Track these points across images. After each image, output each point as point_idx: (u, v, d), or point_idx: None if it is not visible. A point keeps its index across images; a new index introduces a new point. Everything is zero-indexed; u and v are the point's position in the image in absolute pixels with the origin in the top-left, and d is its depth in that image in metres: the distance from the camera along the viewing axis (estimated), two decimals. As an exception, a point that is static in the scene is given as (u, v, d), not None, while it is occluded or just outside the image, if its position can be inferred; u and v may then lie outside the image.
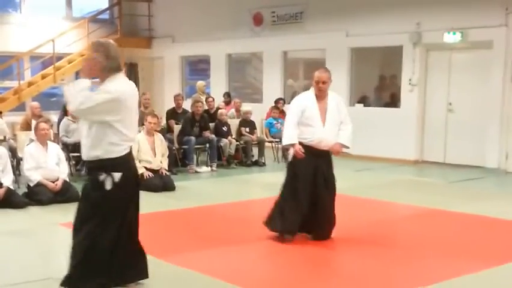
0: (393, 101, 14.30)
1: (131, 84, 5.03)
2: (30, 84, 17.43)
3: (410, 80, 13.59)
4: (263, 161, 13.28)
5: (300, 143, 6.80)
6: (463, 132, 13.04)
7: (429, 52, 13.57)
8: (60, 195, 8.94)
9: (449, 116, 13.31)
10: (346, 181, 10.55)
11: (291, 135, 6.82)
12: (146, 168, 10.07)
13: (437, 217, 8.40)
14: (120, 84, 4.87)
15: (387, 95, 14.74)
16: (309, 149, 6.79)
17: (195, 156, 12.58)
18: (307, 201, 6.80)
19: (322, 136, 6.77)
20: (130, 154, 5.03)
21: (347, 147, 6.96)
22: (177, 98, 13.53)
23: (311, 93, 6.84)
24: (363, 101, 14.83)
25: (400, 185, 10.87)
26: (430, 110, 13.64)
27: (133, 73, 20.30)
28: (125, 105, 4.84)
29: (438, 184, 11.24)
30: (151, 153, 10.27)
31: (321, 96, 6.80)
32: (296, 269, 6.00)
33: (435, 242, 7.01)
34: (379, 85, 15.04)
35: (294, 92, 16.75)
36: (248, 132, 13.45)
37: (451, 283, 5.58)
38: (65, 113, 11.77)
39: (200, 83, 15.96)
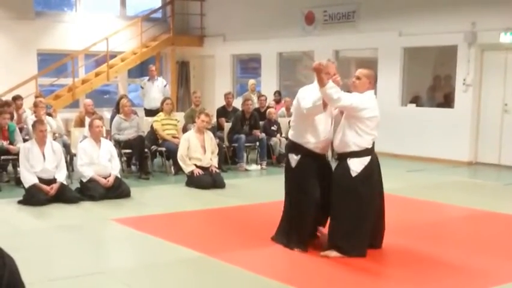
0: (447, 102, 14.05)
1: None
2: (84, 81, 17.72)
3: (464, 80, 13.33)
4: (313, 160, 13.18)
5: None
6: (519, 133, 12.74)
7: (484, 52, 13.27)
8: (112, 191, 9.09)
9: (505, 117, 13.00)
10: (398, 181, 10.46)
11: None
12: (197, 166, 10.14)
13: (491, 220, 8.22)
14: None
15: (441, 95, 14.50)
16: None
17: (244, 154, 12.58)
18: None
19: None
20: None
21: None
22: (227, 96, 13.58)
23: None
24: (416, 101, 14.60)
25: (453, 186, 10.68)
26: (485, 111, 13.33)
27: (184, 71, 20.49)
28: None
29: (493, 186, 11.01)
30: (201, 151, 10.32)
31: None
32: (348, 268, 5.95)
33: (489, 246, 6.86)
34: (432, 85, 14.81)
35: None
36: (298, 131, 13.36)
37: (505, 288, 5.45)
38: (117, 110, 11.92)
39: (251, 82, 16.02)
